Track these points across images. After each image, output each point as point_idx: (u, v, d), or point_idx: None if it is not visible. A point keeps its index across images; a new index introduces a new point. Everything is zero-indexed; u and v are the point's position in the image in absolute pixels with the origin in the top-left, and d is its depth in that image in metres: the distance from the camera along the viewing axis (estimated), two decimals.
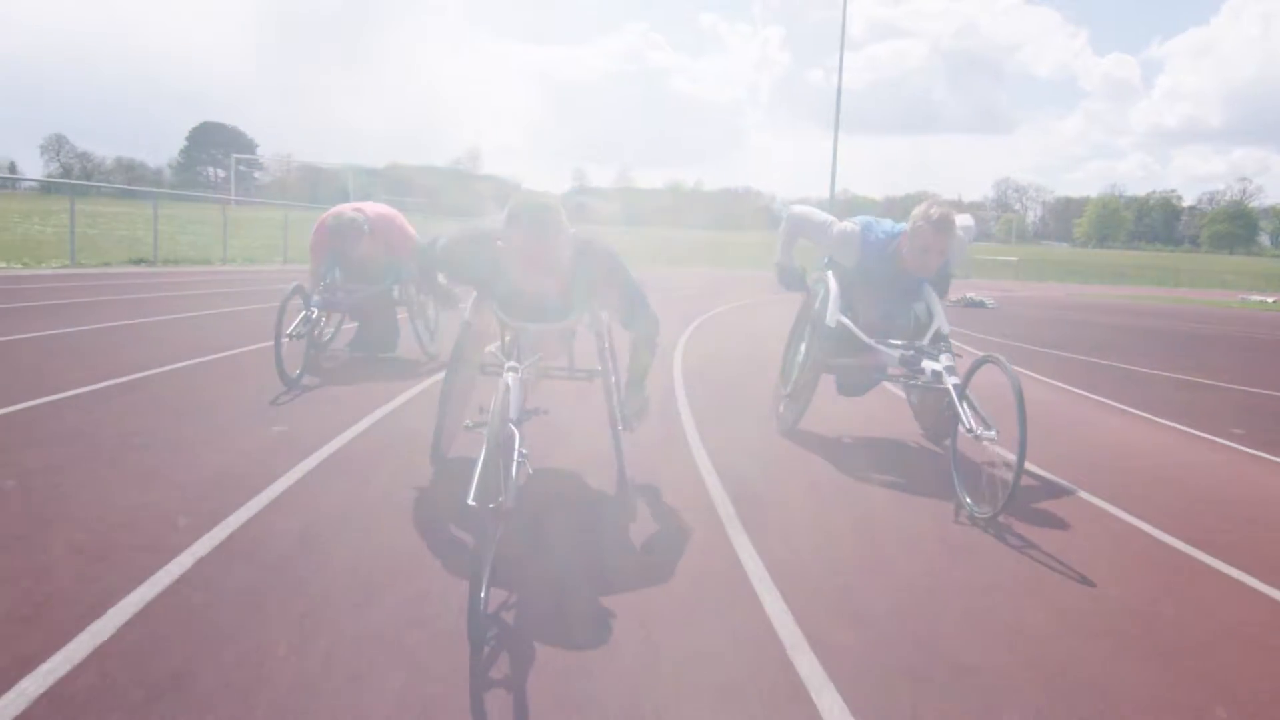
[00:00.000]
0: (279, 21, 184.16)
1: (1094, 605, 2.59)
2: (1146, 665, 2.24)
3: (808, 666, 2.12)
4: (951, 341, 3.95)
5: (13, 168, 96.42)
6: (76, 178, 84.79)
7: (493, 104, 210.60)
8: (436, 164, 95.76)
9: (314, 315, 5.32)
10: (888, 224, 4.20)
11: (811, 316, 4.38)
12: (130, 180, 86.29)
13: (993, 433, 3.23)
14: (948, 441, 3.79)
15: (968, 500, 3.32)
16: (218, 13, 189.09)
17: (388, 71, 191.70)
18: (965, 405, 3.41)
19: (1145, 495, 3.83)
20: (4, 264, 14.04)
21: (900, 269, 4.06)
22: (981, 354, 3.53)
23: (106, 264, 15.58)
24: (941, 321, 4.05)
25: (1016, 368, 3.46)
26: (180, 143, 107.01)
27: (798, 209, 4.48)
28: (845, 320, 4.08)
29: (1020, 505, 3.40)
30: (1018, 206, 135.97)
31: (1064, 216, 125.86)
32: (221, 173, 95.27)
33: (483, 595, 2.13)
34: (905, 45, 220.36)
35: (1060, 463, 4.23)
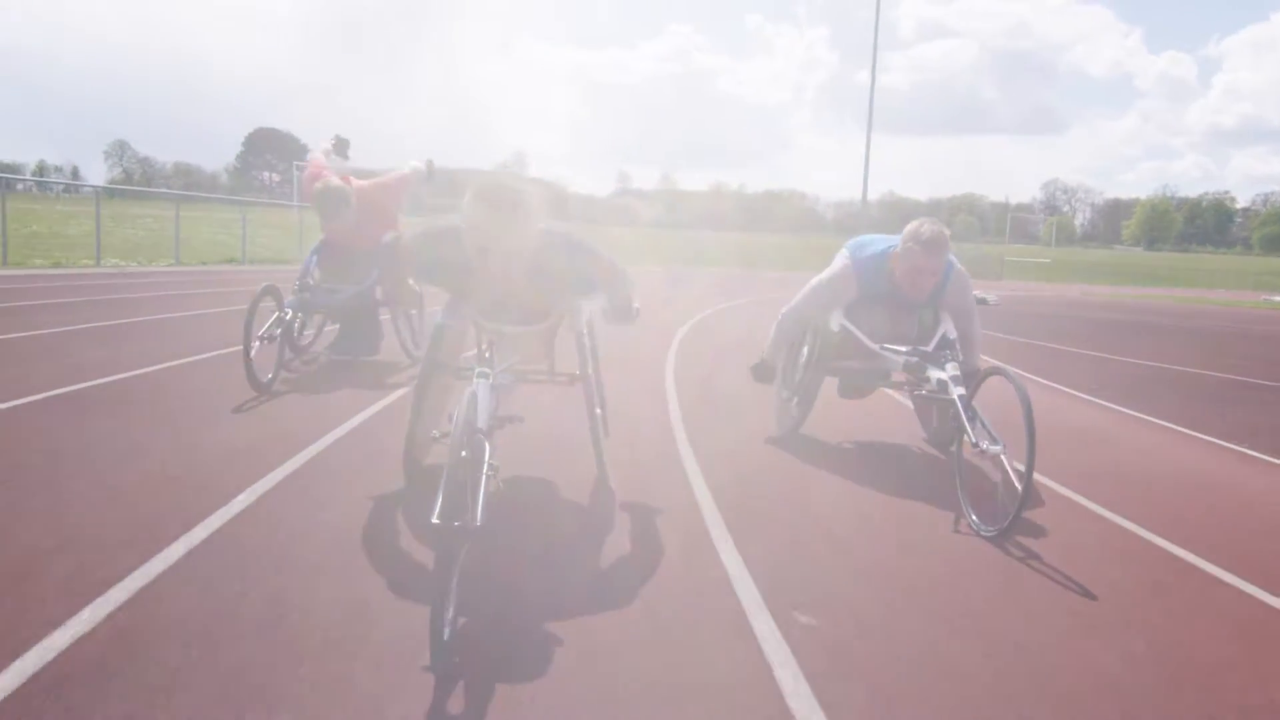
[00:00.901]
0: (329, 29, 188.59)
1: (1098, 620, 2.46)
2: (1156, 689, 2.10)
3: (805, 708, 1.92)
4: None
5: (75, 173, 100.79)
6: (138, 182, 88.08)
7: (538, 107, 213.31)
8: (483, 167, 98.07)
9: (288, 316, 5.04)
10: (879, 242, 4.03)
11: (815, 322, 4.22)
12: (188, 185, 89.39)
13: (999, 446, 3.07)
14: (953, 448, 3.71)
15: (973, 516, 3.16)
16: (271, 22, 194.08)
17: (435, 76, 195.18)
18: (971, 417, 3.26)
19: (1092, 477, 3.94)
20: (121, 261, 15.57)
21: (898, 289, 3.91)
22: (988, 365, 3.45)
23: (204, 263, 17.15)
24: (948, 326, 3.89)
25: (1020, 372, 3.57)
26: (236, 148, 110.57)
27: (785, 310, 4.35)
28: (848, 325, 3.96)
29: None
30: (1066, 209, 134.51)
31: (1113, 219, 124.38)
32: (276, 177, 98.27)
33: (445, 622, 1.98)
34: (954, 45, 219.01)
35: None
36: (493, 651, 2.07)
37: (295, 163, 75.64)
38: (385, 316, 5.99)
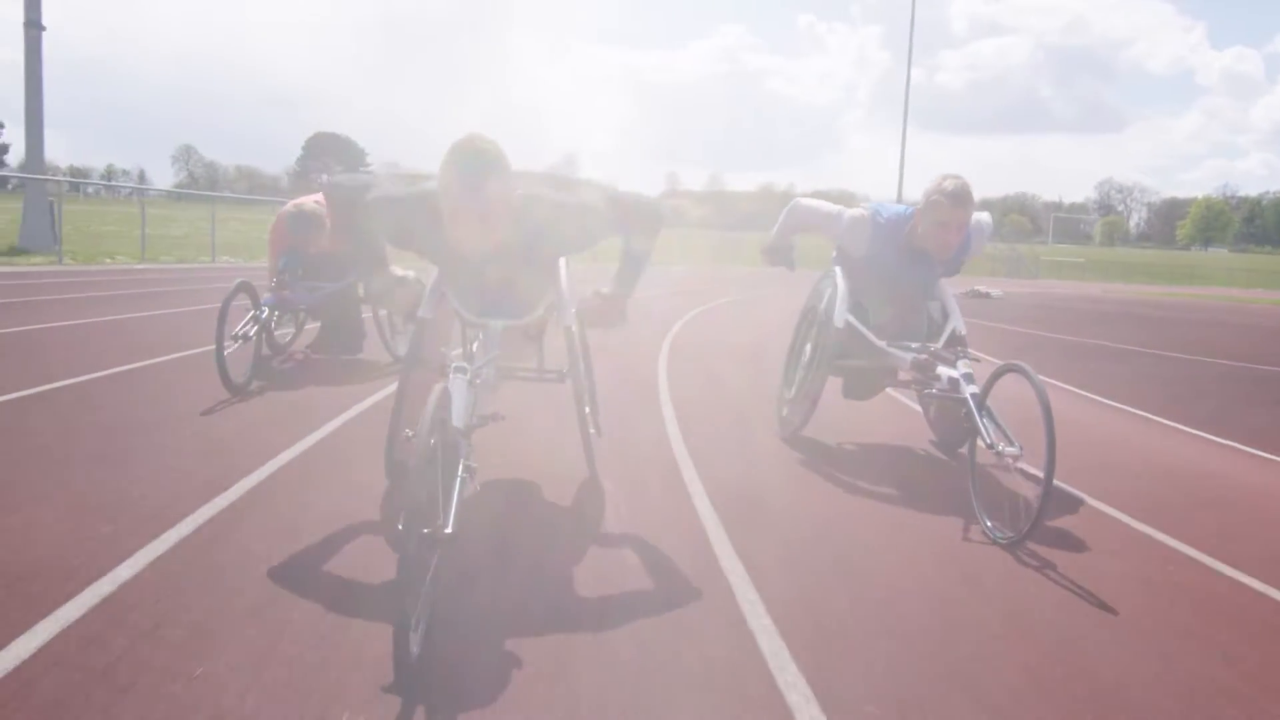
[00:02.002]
0: (387, 38, 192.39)
1: (1122, 634, 2.26)
2: (1189, 708, 1.93)
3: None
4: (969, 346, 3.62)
5: (142, 176, 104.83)
6: (201, 185, 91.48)
7: (589, 109, 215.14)
8: (534, 169, 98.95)
9: (264, 315, 4.83)
10: (899, 206, 3.89)
11: (818, 316, 4.04)
12: (250, 188, 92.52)
13: (1016, 448, 2.91)
14: (962, 450, 3.58)
15: (988, 522, 2.99)
16: (331, 31, 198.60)
17: (487, 81, 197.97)
18: (985, 417, 3.09)
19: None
20: (209, 260, 16.54)
21: (914, 255, 3.73)
22: (1003, 362, 3.19)
23: (249, 259, 17.93)
24: (958, 322, 3.73)
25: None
26: (296, 152, 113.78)
27: (804, 200, 4.13)
28: (854, 321, 3.78)
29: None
30: (1121, 208, 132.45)
31: (1169, 219, 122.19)
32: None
33: (412, 642, 1.78)
34: (1009, 42, 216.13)
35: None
36: (467, 671, 1.90)
37: (362, 168, 78.57)
38: (368, 314, 5.72)
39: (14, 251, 14.27)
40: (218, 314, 4.42)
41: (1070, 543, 2.96)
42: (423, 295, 2.98)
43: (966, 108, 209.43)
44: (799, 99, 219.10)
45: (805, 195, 4.31)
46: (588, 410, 3.29)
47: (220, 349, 4.33)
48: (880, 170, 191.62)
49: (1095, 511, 3.32)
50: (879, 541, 2.86)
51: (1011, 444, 2.91)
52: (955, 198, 3.50)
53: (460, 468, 2.17)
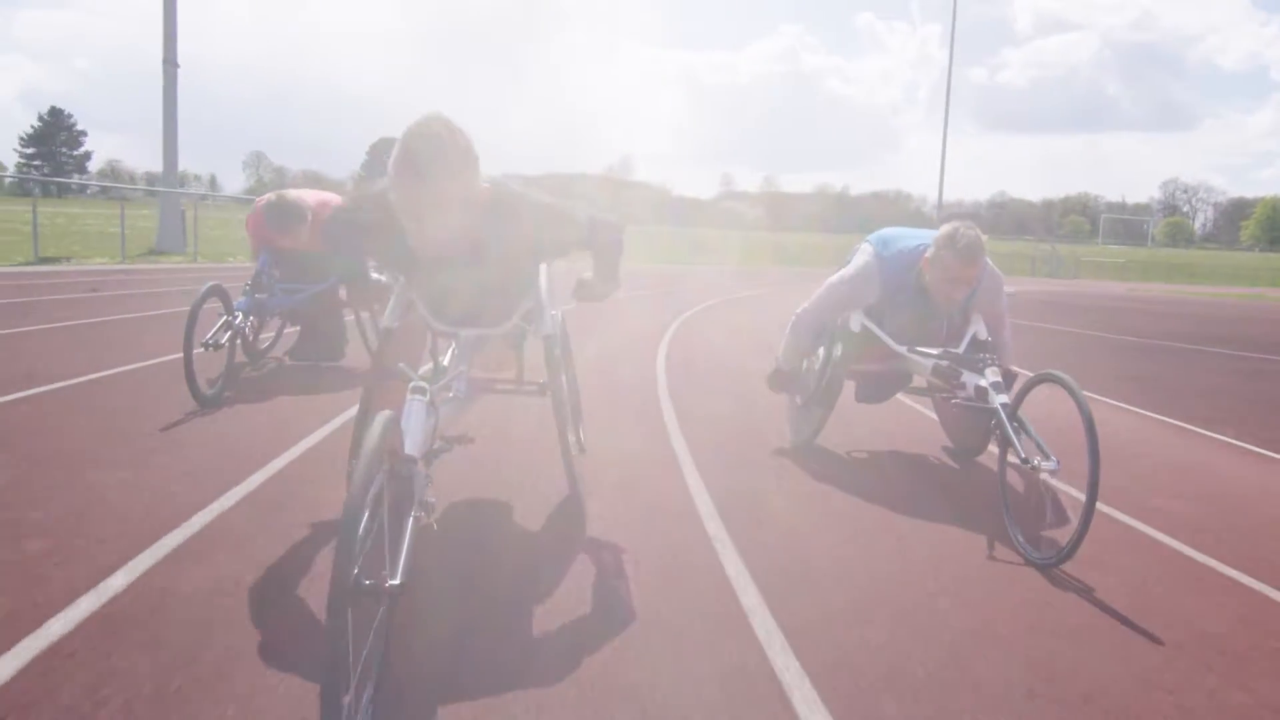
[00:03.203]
0: (446, 43, 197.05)
1: (1171, 666, 2.07)
2: None
3: None
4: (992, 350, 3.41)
5: (213, 181, 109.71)
6: (270, 189, 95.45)
7: (645, 111, 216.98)
8: (590, 171, 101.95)
9: (237, 320, 4.53)
10: (907, 239, 3.64)
11: (834, 321, 3.81)
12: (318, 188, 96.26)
13: (1053, 463, 2.70)
14: (979, 457, 3.40)
15: (1021, 541, 2.78)
16: (392, 38, 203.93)
17: (544, 84, 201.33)
18: (1018, 429, 2.90)
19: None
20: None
21: (926, 293, 3.52)
22: (1037, 372, 2.97)
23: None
24: (979, 325, 3.53)
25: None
26: (361, 156, 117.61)
27: (802, 309, 3.87)
28: (870, 325, 3.61)
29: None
30: (1186, 209, 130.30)
31: (1235, 219, 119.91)
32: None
33: (348, 713, 1.46)
34: (1074, 38, 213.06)
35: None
36: None
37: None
38: (350, 318, 5.34)
39: (152, 253, 16.75)
40: (186, 319, 4.10)
41: (1114, 568, 2.67)
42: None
43: (1030, 106, 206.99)
44: (857, 99, 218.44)
45: (801, 307, 3.90)
46: (574, 431, 3.04)
47: (189, 357, 4.04)
48: (938, 170, 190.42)
49: (1134, 530, 3.05)
50: (901, 565, 2.61)
51: (1048, 458, 2.71)
52: (964, 255, 3.31)
53: (414, 506, 1.87)
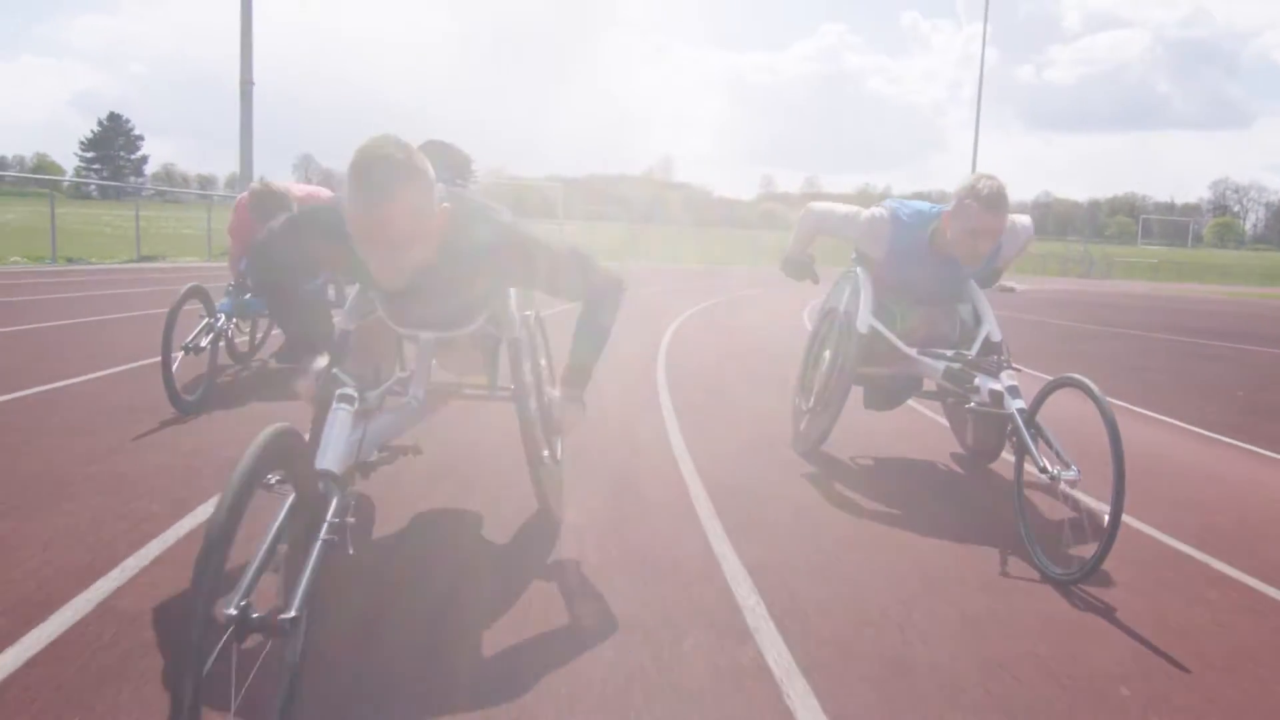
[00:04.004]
0: (491, 47, 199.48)
1: (1200, 699, 1.90)
2: None
3: None
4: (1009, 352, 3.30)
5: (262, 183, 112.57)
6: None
7: (686, 112, 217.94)
8: (631, 173, 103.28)
9: (219, 323, 4.35)
10: (922, 205, 3.54)
11: (838, 319, 3.70)
12: None
13: (1074, 473, 2.52)
14: (992, 464, 3.38)
15: (1040, 556, 2.59)
16: (439, 43, 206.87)
17: (587, 85, 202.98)
18: (1035, 436, 2.74)
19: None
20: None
21: (938, 258, 3.39)
22: (1056, 376, 2.75)
23: None
24: (992, 326, 3.41)
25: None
26: None
27: (817, 205, 3.82)
28: (879, 325, 3.45)
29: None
30: (1236, 209, 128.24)
31: None
32: (441, 186, 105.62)
33: None
34: (1124, 35, 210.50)
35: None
36: None
37: (467, 173, 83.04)
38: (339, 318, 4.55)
39: (223, 253, 18.17)
40: (164, 323, 3.86)
41: (1139, 584, 2.51)
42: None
43: (1078, 104, 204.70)
44: (901, 98, 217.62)
45: (822, 201, 3.90)
46: (553, 449, 2.81)
47: (167, 362, 3.81)
48: (985, 169, 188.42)
49: (1159, 543, 2.88)
50: (919, 582, 2.44)
51: (1068, 467, 2.56)
52: (989, 203, 3.13)
53: (323, 529, 1.62)
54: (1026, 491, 2.88)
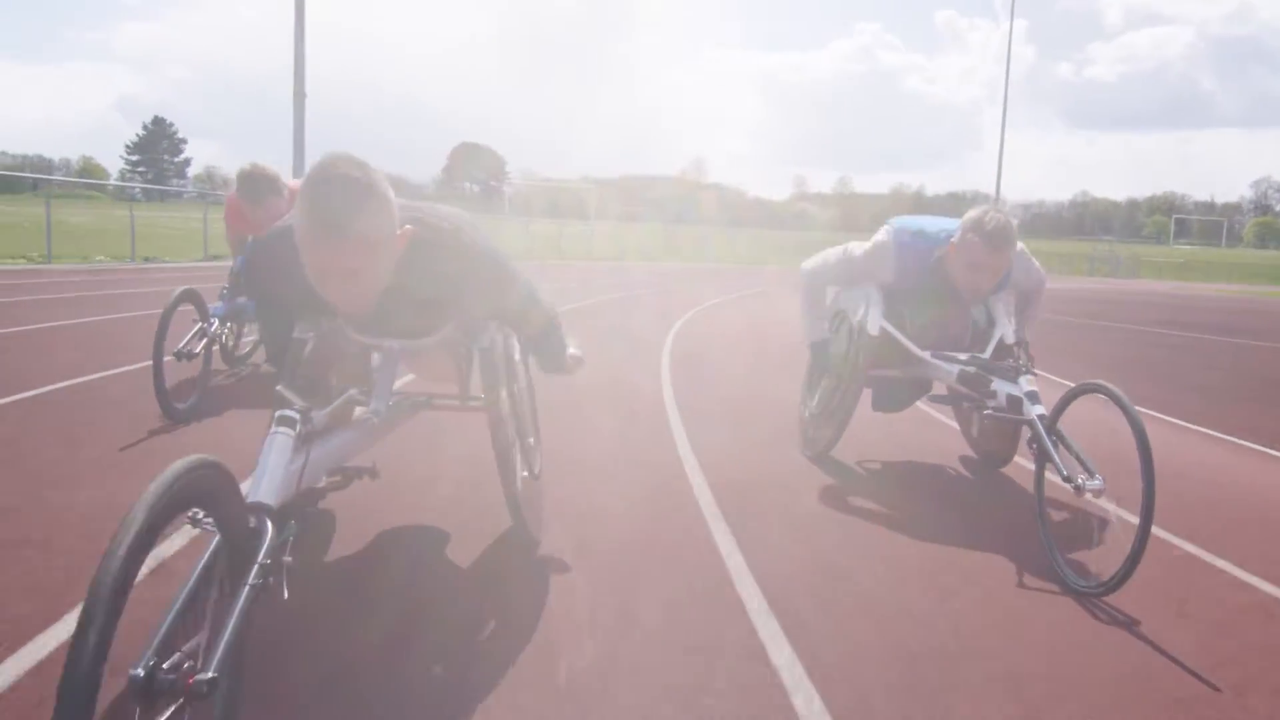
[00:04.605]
0: (525, 48, 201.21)
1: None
2: None
3: None
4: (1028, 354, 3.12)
5: None
6: None
7: (720, 113, 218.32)
8: (665, 174, 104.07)
9: (213, 327, 4.21)
10: (927, 225, 3.37)
11: (846, 321, 3.58)
12: (400, 195, 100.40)
13: (1098, 482, 2.41)
14: (1004, 469, 3.33)
15: (1064, 567, 2.48)
16: (475, 45, 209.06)
17: (621, 86, 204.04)
18: (1057, 443, 2.61)
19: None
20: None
21: (944, 285, 3.26)
22: (1080, 382, 2.63)
23: None
24: (1006, 328, 3.30)
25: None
26: (442, 161, 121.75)
27: (807, 265, 3.69)
28: (889, 327, 3.33)
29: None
30: (1278, 208, 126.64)
31: None
32: (475, 188, 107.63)
33: None
34: (1166, 32, 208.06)
35: None
36: None
37: (507, 177, 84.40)
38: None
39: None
40: (156, 328, 3.77)
41: (1168, 599, 2.38)
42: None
43: (1119, 103, 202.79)
44: (936, 97, 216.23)
45: (806, 261, 3.73)
46: (529, 446, 2.66)
47: (158, 368, 3.69)
48: (1022, 169, 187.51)
49: (1191, 557, 2.75)
50: (930, 596, 2.33)
51: (1092, 476, 2.45)
52: (991, 239, 3.04)
53: (252, 572, 1.40)
54: (1047, 499, 2.77)
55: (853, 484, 3.42)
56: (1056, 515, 2.91)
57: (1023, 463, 3.43)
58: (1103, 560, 2.49)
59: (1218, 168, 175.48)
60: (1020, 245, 3.30)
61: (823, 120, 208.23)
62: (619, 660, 1.91)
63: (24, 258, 13.96)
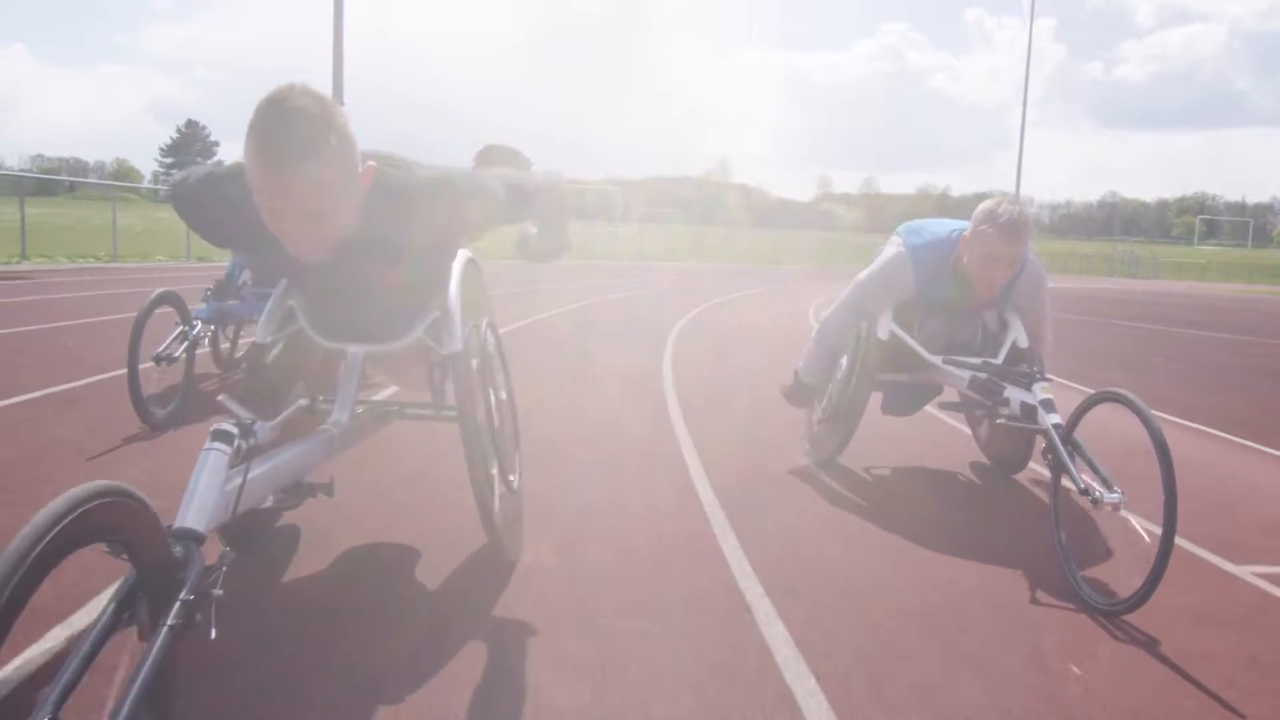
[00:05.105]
0: (554, 49, 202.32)
1: None
2: None
3: None
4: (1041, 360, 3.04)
5: None
6: None
7: (746, 113, 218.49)
8: (690, 175, 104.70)
9: (195, 330, 4.00)
10: (937, 227, 3.25)
11: (855, 326, 3.45)
12: None
13: (1117, 495, 2.30)
14: (1017, 475, 3.34)
15: (1081, 583, 2.35)
16: (504, 46, 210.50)
17: (647, 88, 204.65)
18: (1073, 453, 2.50)
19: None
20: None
21: (964, 284, 3.14)
22: (1096, 390, 2.52)
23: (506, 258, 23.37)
24: (1019, 333, 3.21)
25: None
26: (468, 162, 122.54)
27: (824, 315, 3.60)
28: (899, 331, 3.25)
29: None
30: None
31: None
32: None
33: None
34: (1199, 30, 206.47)
35: None
36: None
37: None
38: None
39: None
40: (131, 331, 3.59)
41: (1194, 616, 2.23)
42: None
43: (1150, 102, 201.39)
44: (963, 97, 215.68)
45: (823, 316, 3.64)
46: (505, 477, 2.38)
47: (133, 373, 3.51)
48: (1051, 169, 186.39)
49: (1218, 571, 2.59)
50: (946, 609, 2.18)
51: (1111, 488, 2.31)
52: (1006, 230, 2.96)
53: (173, 610, 1.22)
54: (1063, 511, 2.60)
55: (861, 490, 3.30)
56: (1073, 528, 2.66)
57: (1037, 469, 3.44)
58: (1122, 576, 2.40)
59: (1251, 167, 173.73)
60: (1033, 257, 3.23)
61: (848, 120, 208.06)
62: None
63: (93, 257, 14.82)
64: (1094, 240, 68.40)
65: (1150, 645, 2.06)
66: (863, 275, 3.41)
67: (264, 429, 1.73)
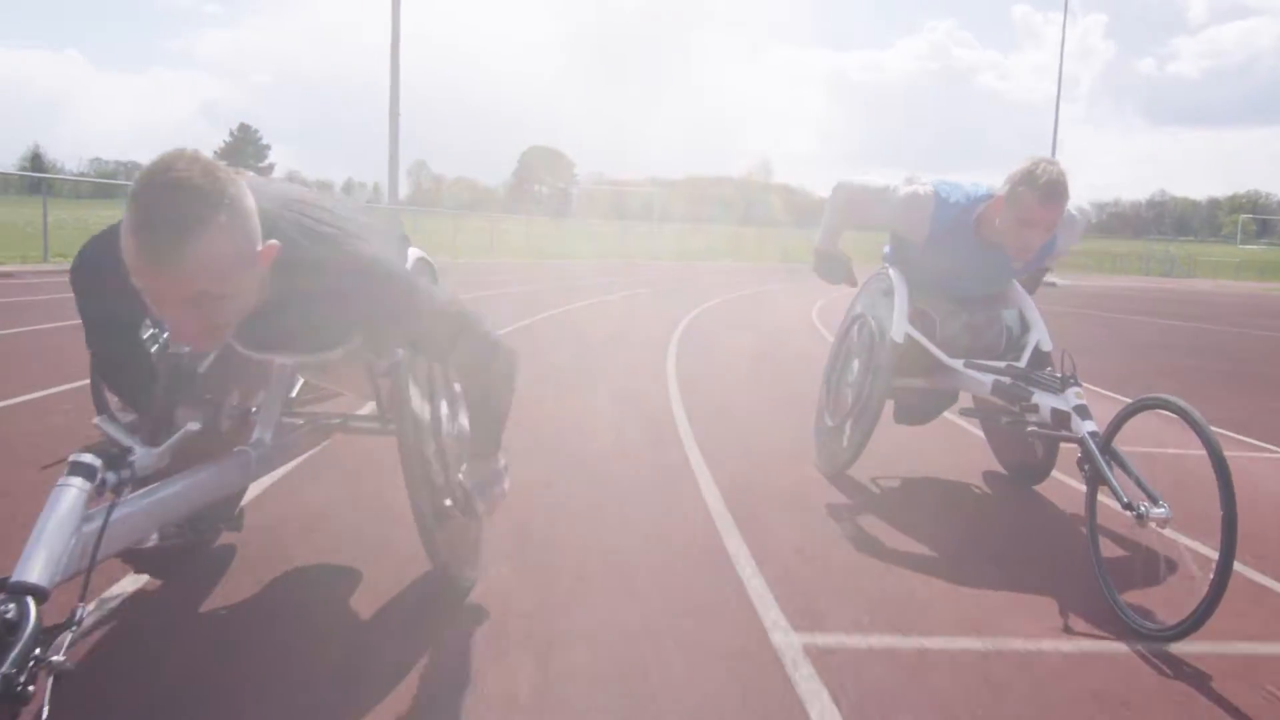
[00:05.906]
0: (595, 50, 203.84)
1: None
2: None
3: None
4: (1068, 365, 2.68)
5: (376, 189, 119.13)
6: (428, 198, 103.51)
7: (787, 113, 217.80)
8: (731, 175, 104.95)
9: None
10: (971, 187, 3.04)
11: (868, 326, 3.30)
12: (469, 198, 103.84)
13: (1164, 510, 2.10)
14: (1038, 486, 3.20)
15: (1125, 609, 2.14)
16: (545, 48, 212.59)
17: (688, 87, 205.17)
18: (1112, 464, 2.30)
19: None
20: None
21: (984, 246, 2.96)
22: (1139, 396, 2.32)
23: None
24: (1042, 334, 3.04)
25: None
26: (512, 165, 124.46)
27: (849, 180, 3.29)
28: (916, 334, 3.07)
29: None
30: None
31: None
32: (545, 190, 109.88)
33: None
34: (1254, 25, 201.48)
35: None
36: None
37: (570, 179, 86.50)
38: None
39: None
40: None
41: (1237, 637, 2.04)
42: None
43: (1203, 98, 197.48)
44: (1010, 95, 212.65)
45: (855, 175, 3.42)
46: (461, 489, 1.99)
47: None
48: (1101, 168, 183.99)
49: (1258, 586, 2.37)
50: (971, 635, 2.02)
51: (1156, 503, 2.11)
52: (1046, 192, 2.71)
53: (25, 666, 1.08)
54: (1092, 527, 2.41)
55: (872, 503, 3.09)
56: (1109, 546, 2.47)
57: (1061, 478, 3.19)
58: (1171, 600, 2.18)
59: None
60: (1073, 212, 3.02)
61: (892, 119, 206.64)
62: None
63: None
64: (1143, 239, 67.88)
65: (1202, 681, 1.86)
66: (895, 185, 3.14)
67: (146, 456, 1.53)
